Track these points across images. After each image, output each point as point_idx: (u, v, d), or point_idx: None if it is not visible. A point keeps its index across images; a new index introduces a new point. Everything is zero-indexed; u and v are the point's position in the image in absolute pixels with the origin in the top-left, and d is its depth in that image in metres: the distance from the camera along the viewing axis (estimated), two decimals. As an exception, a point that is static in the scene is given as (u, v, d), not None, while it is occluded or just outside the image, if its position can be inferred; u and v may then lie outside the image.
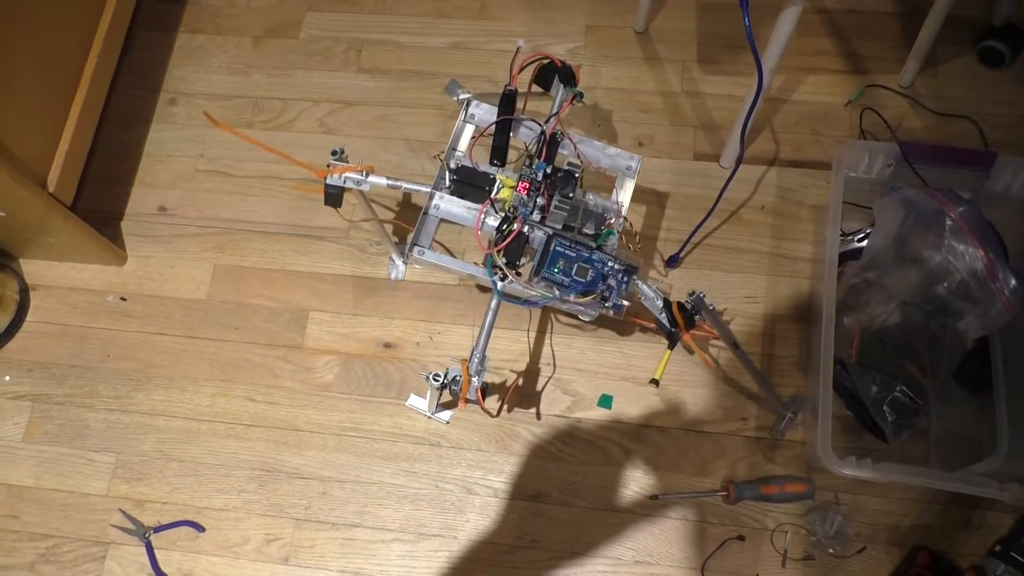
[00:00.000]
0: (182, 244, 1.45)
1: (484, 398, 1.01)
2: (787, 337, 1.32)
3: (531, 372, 1.32)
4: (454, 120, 1.15)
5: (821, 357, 1.14)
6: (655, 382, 1.28)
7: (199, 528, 1.26)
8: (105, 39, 1.42)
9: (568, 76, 1.09)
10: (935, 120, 1.44)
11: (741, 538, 1.21)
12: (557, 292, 1.01)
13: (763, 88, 1.07)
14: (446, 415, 1.29)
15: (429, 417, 1.29)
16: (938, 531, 1.19)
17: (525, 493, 1.25)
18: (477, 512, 1.25)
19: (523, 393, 1.31)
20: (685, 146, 1.46)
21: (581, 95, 1.10)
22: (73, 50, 1.38)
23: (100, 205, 1.48)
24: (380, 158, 1.48)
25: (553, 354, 1.33)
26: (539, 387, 1.31)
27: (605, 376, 1.31)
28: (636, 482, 1.25)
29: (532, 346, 1.33)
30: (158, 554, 1.25)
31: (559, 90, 1.11)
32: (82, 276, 1.44)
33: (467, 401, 1.00)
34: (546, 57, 1.09)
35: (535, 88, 1.13)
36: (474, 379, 0.99)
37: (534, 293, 1.01)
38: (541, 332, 1.34)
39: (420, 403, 1.30)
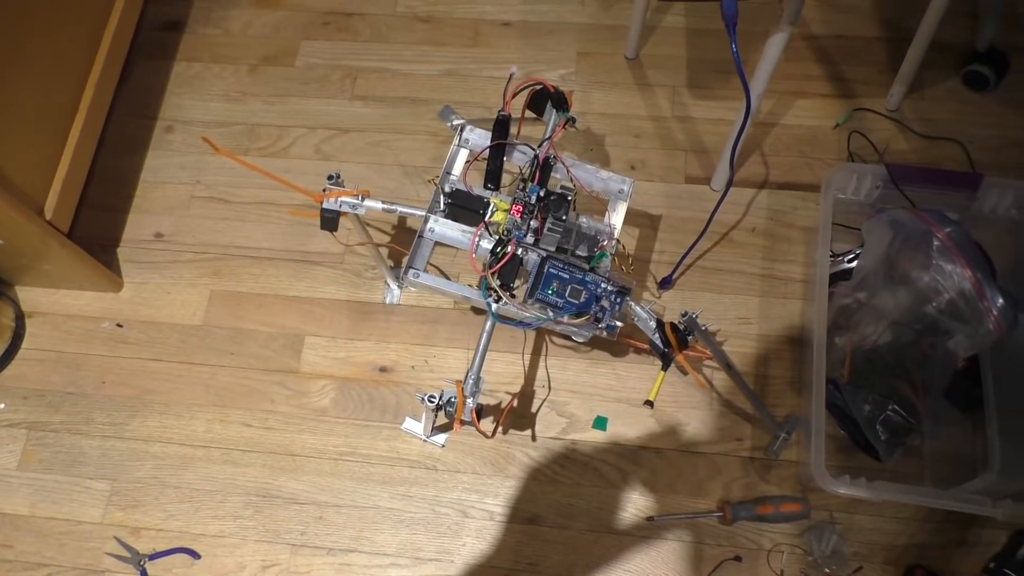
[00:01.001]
0: (178, 270, 1.46)
1: (479, 419, 1.01)
2: (780, 358, 1.33)
3: (526, 394, 1.32)
4: (448, 145, 1.16)
5: (814, 377, 1.15)
6: (649, 403, 1.30)
7: (195, 555, 1.25)
8: (103, 67, 1.44)
9: (560, 101, 1.11)
10: (922, 143, 1.46)
11: (738, 559, 1.21)
12: (551, 313, 1.02)
13: (751, 112, 1.09)
14: (441, 439, 1.29)
15: (424, 441, 1.30)
16: (933, 549, 1.20)
17: (521, 516, 1.25)
18: (474, 536, 1.25)
19: (518, 416, 1.31)
20: (676, 170, 1.48)
21: (574, 120, 1.12)
22: (71, 78, 1.39)
23: (97, 232, 1.49)
24: (375, 184, 1.50)
25: (548, 376, 1.33)
26: (534, 409, 1.31)
27: (599, 398, 1.32)
28: (632, 504, 1.25)
29: (527, 368, 1.34)
30: (153, 581, 1.24)
31: (552, 115, 1.13)
32: (78, 303, 1.44)
33: (462, 423, 1.01)
34: (539, 83, 1.11)
35: (529, 114, 1.15)
36: (469, 400, 1.00)
37: (528, 315, 1.02)
38: (535, 355, 1.35)
39: (416, 427, 1.30)
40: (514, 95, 1.08)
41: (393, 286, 1.40)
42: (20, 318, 1.43)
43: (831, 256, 1.29)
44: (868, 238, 1.24)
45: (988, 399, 1.21)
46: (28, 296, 1.45)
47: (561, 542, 1.23)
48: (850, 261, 1.31)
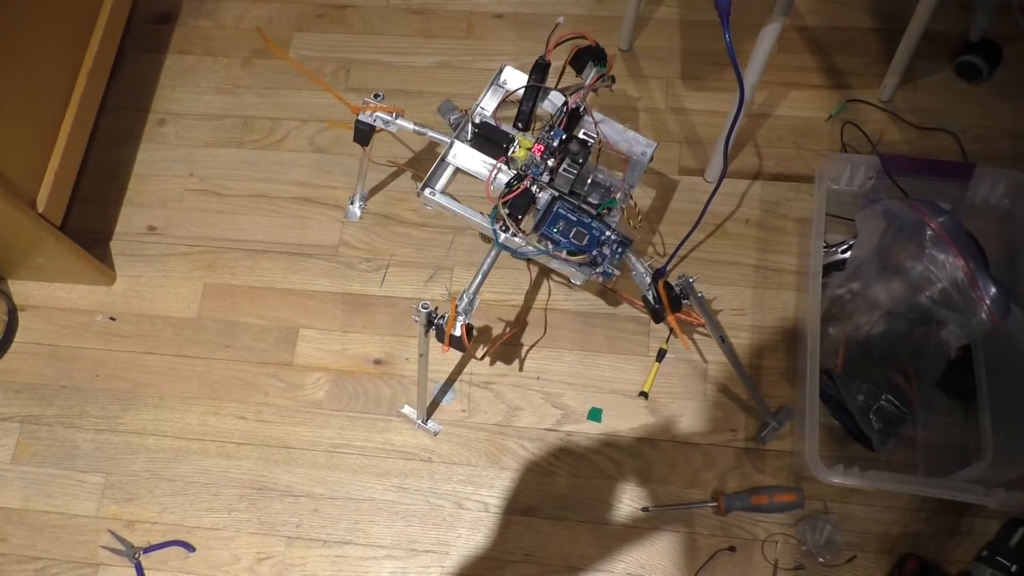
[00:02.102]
0: (171, 263, 1.45)
1: (469, 339, 1.01)
2: (774, 348, 1.33)
3: (520, 386, 1.32)
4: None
5: (807, 367, 1.15)
6: (644, 395, 1.30)
7: (189, 548, 1.25)
8: (95, 60, 1.43)
9: (600, 56, 1.12)
10: (915, 133, 1.47)
11: (732, 549, 1.21)
12: (550, 245, 1.03)
13: (745, 103, 1.09)
14: (436, 427, 1.30)
15: (419, 426, 1.30)
16: (927, 538, 1.20)
17: (516, 507, 1.26)
18: (469, 527, 1.25)
19: (513, 407, 1.31)
20: (670, 161, 1.48)
21: (613, 79, 1.13)
22: (63, 71, 1.38)
23: (89, 225, 1.48)
24: (369, 177, 1.49)
25: (543, 369, 1.33)
26: (528, 401, 1.31)
27: (594, 389, 1.32)
28: (627, 495, 1.25)
29: (522, 360, 1.34)
30: (148, 575, 1.24)
31: (590, 69, 1.14)
32: (71, 296, 1.44)
33: (451, 341, 1.00)
34: (582, 36, 1.11)
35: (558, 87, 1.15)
36: (460, 317, 1.00)
37: (530, 248, 1.04)
38: (531, 347, 1.35)
39: (413, 413, 1.30)
40: (557, 44, 1.09)
41: (355, 206, 1.47)
42: (13, 311, 1.42)
43: (825, 247, 1.29)
44: (861, 228, 1.24)
45: (981, 388, 1.21)
46: (21, 289, 1.45)
47: (556, 533, 1.24)
48: (844, 251, 1.31)
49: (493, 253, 1.07)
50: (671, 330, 1.30)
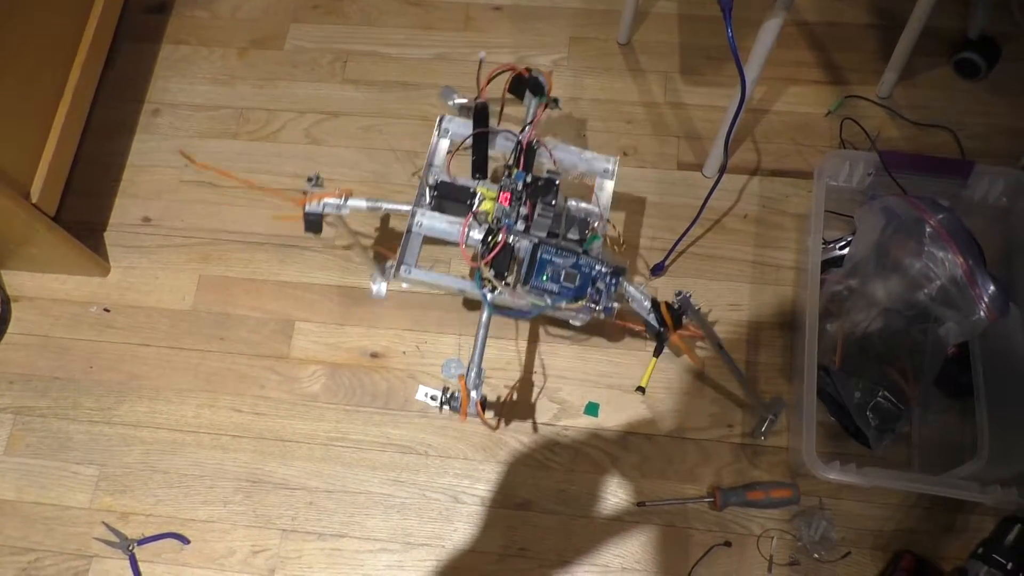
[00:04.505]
0: (166, 255, 1.45)
1: (484, 411, 1.00)
2: (771, 344, 1.33)
3: (518, 381, 1.32)
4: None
5: (805, 363, 1.15)
6: (641, 390, 1.29)
7: (184, 540, 1.25)
8: (89, 50, 1.42)
9: (536, 86, 1.09)
10: (913, 130, 1.46)
11: (727, 544, 1.22)
12: (548, 300, 1.01)
13: (746, 98, 1.09)
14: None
15: (441, 410, 1.27)
16: (922, 535, 1.21)
17: (512, 501, 1.25)
18: (465, 521, 1.25)
19: (510, 401, 1.31)
20: (669, 156, 1.47)
21: (556, 101, 1.10)
22: (57, 61, 1.37)
23: (83, 216, 1.47)
24: (366, 168, 1.49)
25: (540, 363, 1.33)
26: (526, 396, 1.31)
27: (591, 384, 1.32)
28: (623, 489, 1.25)
29: (519, 355, 1.34)
30: (142, 567, 1.23)
31: (531, 100, 1.12)
32: (65, 287, 1.43)
33: (467, 415, 1.00)
34: (510, 69, 1.08)
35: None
36: (473, 393, 0.99)
37: (524, 303, 1.02)
38: (527, 341, 1.35)
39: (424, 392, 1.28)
40: (488, 82, 1.05)
41: (377, 284, 1.35)
42: (6, 302, 1.41)
43: (823, 243, 1.29)
44: (860, 225, 1.24)
45: (977, 386, 1.22)
46: (14, 280, 1.44)
47: (552, 527, 1.24)
48: (842, 248, 1.31)
49: (485, 318, 1.03)
50: (675, 351, 1.29)
